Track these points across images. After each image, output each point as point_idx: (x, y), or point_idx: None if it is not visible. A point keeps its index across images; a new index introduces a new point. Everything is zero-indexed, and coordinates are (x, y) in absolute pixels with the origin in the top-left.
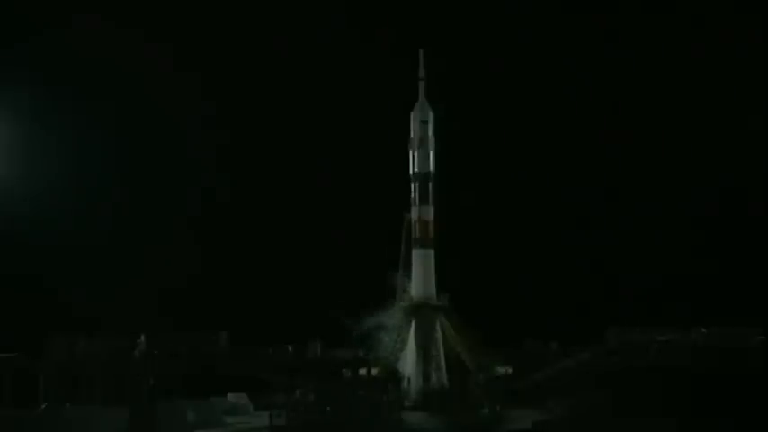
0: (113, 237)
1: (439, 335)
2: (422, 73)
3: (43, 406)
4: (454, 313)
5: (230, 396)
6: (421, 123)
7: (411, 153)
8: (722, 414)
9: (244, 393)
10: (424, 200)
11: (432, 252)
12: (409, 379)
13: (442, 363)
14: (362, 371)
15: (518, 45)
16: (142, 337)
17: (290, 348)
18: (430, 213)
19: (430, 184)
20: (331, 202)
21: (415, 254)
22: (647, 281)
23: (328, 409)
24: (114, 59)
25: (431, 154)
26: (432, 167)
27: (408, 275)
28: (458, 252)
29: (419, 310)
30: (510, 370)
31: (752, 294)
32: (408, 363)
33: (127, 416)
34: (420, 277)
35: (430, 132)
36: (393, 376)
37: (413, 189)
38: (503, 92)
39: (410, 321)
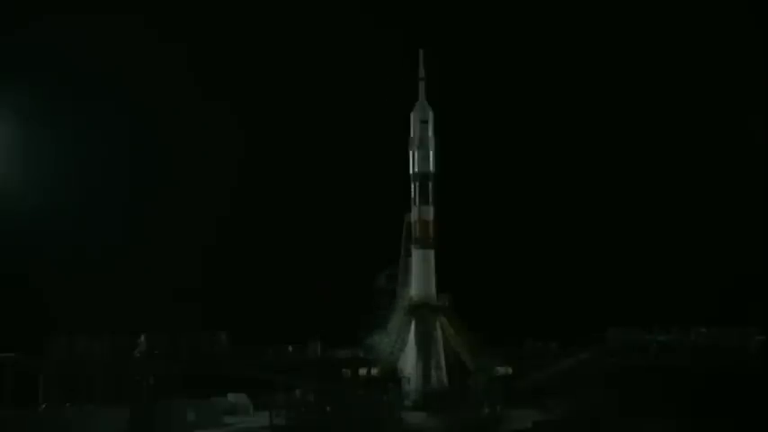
0: (113, 236)
1: (439, 335)
2: (422, 73)
3: (43, 406)
4: (454, 313)
5: (230, 396)
6: (421, 123)
7: (411, 153)
8: (722, 414)
9: (244, 393)
10: (424, 200)
11: (432, 252)
12: (409, 379)
13: (442, 363)
14: (362, 371)
15: (518, 45)
16: (142, 337)
17: (290, 348)
18: (430, 213)
19: (430, 184)
20: (331, 201)
21: (415, 254)
22: (648, 281)
23: (328, 409)
24: (115, 58)
25: (431, 154)
26: (432, 167)
27: (408, 275)
28: (458, 252)
29: (419, 310)
30: (510, 370)
31: (752, 294)
32: (408, 363)
33: (127, 416)
34: (420, 277)
35: (430, 132)
36: (393, 376)
37: (413, 189)
38: (503, 92)
39: (410, 321)
